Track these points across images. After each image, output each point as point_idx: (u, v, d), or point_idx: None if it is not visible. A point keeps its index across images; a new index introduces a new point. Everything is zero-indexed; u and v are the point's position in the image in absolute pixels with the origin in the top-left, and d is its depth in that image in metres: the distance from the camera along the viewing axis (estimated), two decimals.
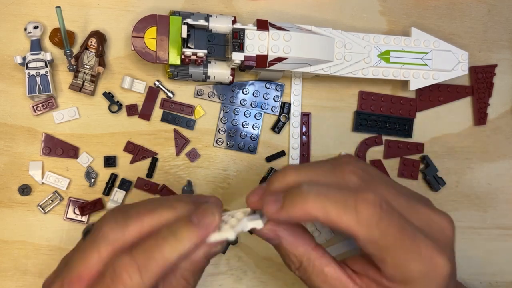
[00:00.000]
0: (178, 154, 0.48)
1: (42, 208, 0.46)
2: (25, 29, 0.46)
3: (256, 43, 0.44)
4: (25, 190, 0.46)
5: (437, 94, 0.53)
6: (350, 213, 0.30)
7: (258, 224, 0.34)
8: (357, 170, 0.34)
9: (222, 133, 0.49)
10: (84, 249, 0.33)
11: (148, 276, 0.31)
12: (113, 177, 0.47)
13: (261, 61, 0.44)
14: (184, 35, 0.44)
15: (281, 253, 0.37)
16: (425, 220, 0.33)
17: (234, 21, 0.46)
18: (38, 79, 0.45)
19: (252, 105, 0.50)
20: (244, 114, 0.50)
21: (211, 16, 0.46)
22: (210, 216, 0.33)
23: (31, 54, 0.45)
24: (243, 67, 0.46)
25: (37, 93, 0.45)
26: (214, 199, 0.36)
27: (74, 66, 0.46)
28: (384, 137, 0.52)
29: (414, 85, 0.49)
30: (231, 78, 0.47)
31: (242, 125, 0.49)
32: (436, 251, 0.31)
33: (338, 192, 0.31)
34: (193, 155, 0.49)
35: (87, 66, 0.46)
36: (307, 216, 0.31)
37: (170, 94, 0.48)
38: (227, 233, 0.33)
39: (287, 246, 0.35)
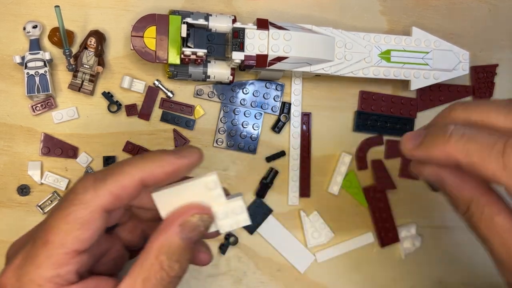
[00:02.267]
0: None
1: (41, 209, 0.46)
2: (24, 29, 0.45)
3: (256, 42, 0.44)
4: (24, 190, 0.46)
5: (438, 94, 0.53)
6: (496, 158, 0.26)
7: (245, 220, 0.31)
8: None
9: (222, 133, 0.49)
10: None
11: (103, 190, 0.28)
12: None
13: (261, 60, 0.44)
14: (184, 34, 0.44)
15: (446, 196, 0.32)
16: None
17: (234, 21, 0.46)
18: (37, 78, 0.45)
19: (252, 105, 0.50)
20: (244, 114, 0.49)
21: (211, 15, 0.46)
22: (189, 149, 0.30)
23: (30, 53, 0.45)
24: (243, 67, 0.45)
25: (36, 93, 0.45)
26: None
27: (73, 66, 0.46)
28: (385, 137, 0.52)
29: (414, 85, 0.49)
30: (231, 77, 0.47)
31: (242, 125, 0.49)
32: None
33: (489, 135, 0.27)
34: None
35: (86, 66, 0.46)
36: (447, 158, 0.28)
37: (169, 94, 0.48)
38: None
39: (451, 189, 0.31)
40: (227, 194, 0.32)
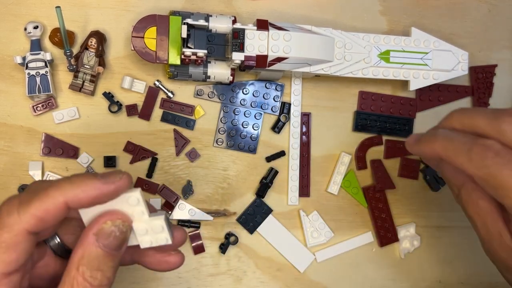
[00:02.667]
0: (178, 154, 0.48)
1: None
2: (25, 29, 0.45)
3: (256, 43, 0.44)
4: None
5: (437, 94, 0.53)
6: (464, 153, 0.33)
7: (166, 239, 0.32)
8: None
9: (222, 133, 0.49)
10: None
11: (27, 214, 0.28)
12: None
13: (261, 61, 0.44)
14: (184, 35, 0.44)
15: (444, 178, 0.38)
16: None
17: (234, 21, 0.46)
18: (38, 79, 0.45)
19: (252, 105, 0.50)
20: (244, 114, 0.49)
21: (211, 16, 0.46)
22: (116, 175, 0.30)
23: (31, 54, 0.45)
24: (243, 67, 0.45)
25: (37, 93, 0.45)
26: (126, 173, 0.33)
27: (74, 66, 0.46)
28: (384, 137, 0.52)
29: (414, 85, 0.49)
30: (231, 78, 0.47)
31: (242, 125, 0.49)
32: None
33: (464, 137, 0.34)
34: (193, 155, 0.49)
35: (87, 66, 0.46)
36: (433, 153, 0.35)
37: (170, 94, 0.48)
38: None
39: (447, 173, 0.37)
40: (154, 211, 0.32)
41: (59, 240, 0.34)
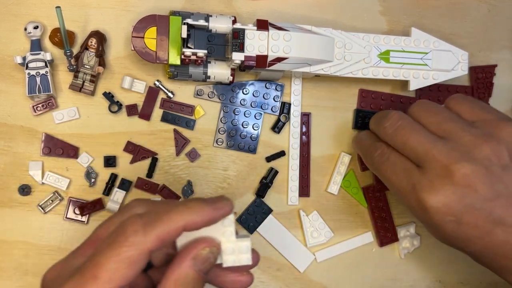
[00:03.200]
0: (178, 154, 0.48)
1: (42, 208, 0.46)
2: (25, 29, 0.46)
3: (256, 43, 0.44)
4: (25, 190, 0.46)
5: (437, 94, 0.53)
6: (379, 126, 0.44)
7: (248, 259, 0.34)
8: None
9: (222, 133, 0.49)
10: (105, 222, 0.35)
11: (152, 235, 0.31)
12: (113, 177, 0.47)
13: (261, 61, 0.44)
14: (184, 35, 0.44)
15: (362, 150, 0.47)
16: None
17: (234, 21, 0.46)
18: (38, 79, 0.45)
19: (252, 105, 0.50)
20: (244, 114, 0.50)
21: (211, 16, 0.46)
22: (224, 201, 0.34)
23: (31, 54, 0.45)
24: (243, 67, 0.46)
25: (37, 93, 0.45)
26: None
27: (74, 66, 0.46)
28: None
29: (414, 85, 0.49)
30: (231, 78, 0.47)
31: (242, 125, 0.49)
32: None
33: (381, 118, 0.45)
34: (193, 155, 0.49)
35: (87, 66, 0.46)
36: (371, 127, 0.47)
37: (170, 94, 0.48)
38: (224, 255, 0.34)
39: (366, 142, 0.47)
40: (237, 233, 0.35)
41: None
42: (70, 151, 0.47)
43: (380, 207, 0.51)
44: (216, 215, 0.33)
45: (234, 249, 0.34)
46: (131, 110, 0.48)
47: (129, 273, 0.31)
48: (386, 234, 0.51)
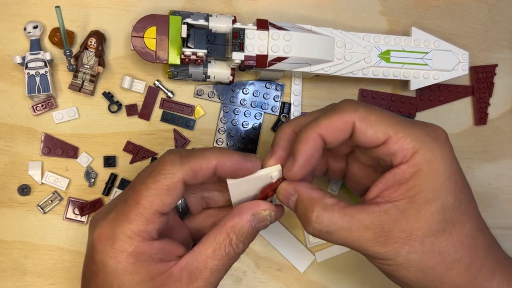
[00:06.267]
0: None
1: (42, 208, 0.46)
2: (25, 29, 0.45)
3: (256, 42, 0.44)
4: (24, 190, 0.46)
5: (438, 94, 0.53)
6: (351, 113, 0.36)
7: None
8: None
9: (222, 133, 0.49)
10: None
11: (187, 166, 0.34)
12: (113, 177, 0.47)
13: (261, 61, 0.44)
14: (184, 34, 0.44)
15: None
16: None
17: (234, 21, 0.46)
18: (37, 79, 0.45)
19: (252, 105, 0.50)
20: (244, 114, 0.49)
21: (211, 15, 0.46)
22: (253, 156, 0.37)
23: (30, 54, 0.45)
24: (243, 67, 0.45)
25: (36, 93, 0.45)
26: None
27: (74, 66, 0.46)
28: None
29: (414, 85, 0.49)
30: (231, 78, 0.47)
31: (242, 125, 0.49)
32: (430, 124, 0.37)
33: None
34: None
35: (86, 66, 0.46)
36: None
37: (170, 94, 0.48)
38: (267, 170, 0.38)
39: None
40: None
41: (184, 203, 0.40)
42: (69, 151, 0.47)
43: None
44: (245, 164, 0.36)
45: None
46: (131, 110, 0.48)
47: (167, 200, 0.34)
48: None
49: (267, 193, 0.38)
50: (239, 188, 0.38)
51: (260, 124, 0.50)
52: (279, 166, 0.38)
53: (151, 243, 0.34)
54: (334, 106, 0.37)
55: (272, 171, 0.38)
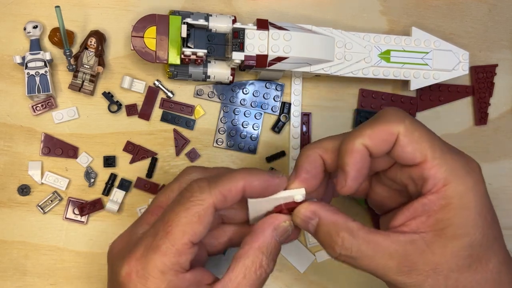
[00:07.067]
0: (178, 154, 0.48)
1: (42, 208, 0.46)
2: (25, 29, 0.45)
3: (256, 42, 0.44)
4: (24, 190, 0.46)
5: (438, 94, 0.53)
6: (395, 125, 0.35)
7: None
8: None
9: (222, 133, 0.49)
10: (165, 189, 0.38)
11: (216, 191, 0.33)
12: (113, 177, 0.47)
13: (261, 60, 0.44)
14: (184, 34, 0.44)
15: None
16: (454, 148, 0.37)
17: (234, 21, 0.46)
18: (37, 79, 0.45)
19: (252, 105, 0.50)
20: (244, 114, 0.49)
21: (211, 15, 0.46)
22: (280, 173, 0.36)
23: (30, 53, 0.45)
24: (243, 67, 0.45)
25: (36, 93, 0.45)
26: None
27: (74, 66, 0.46)
28: None
29: (414, 85, 0.49)
30: (231, 78, 0.47)
31: (242, 125, 0.49)
32: (466, 156, 0.36)
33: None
34: (193, 155, 0.48)
35: (86, 66, 0.46)
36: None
37: (170, 94, 0.48)
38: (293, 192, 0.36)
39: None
40: None
41: None
42: (69, 151, 0.47)
43: None
44: (272, 181, 0.35)
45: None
46: (131, 110, 0.48)
47: (199, 228, 0.33)
48: None
49: (281, 210, 0.37)
50: (258, 207, 0.37)
51: (260, 124, 0.50)
52: (303, 190, 0.36)
53: (183, 275, 0.33)
54: (378, 115, 0.36)
55: (295, 194, 0.36)
